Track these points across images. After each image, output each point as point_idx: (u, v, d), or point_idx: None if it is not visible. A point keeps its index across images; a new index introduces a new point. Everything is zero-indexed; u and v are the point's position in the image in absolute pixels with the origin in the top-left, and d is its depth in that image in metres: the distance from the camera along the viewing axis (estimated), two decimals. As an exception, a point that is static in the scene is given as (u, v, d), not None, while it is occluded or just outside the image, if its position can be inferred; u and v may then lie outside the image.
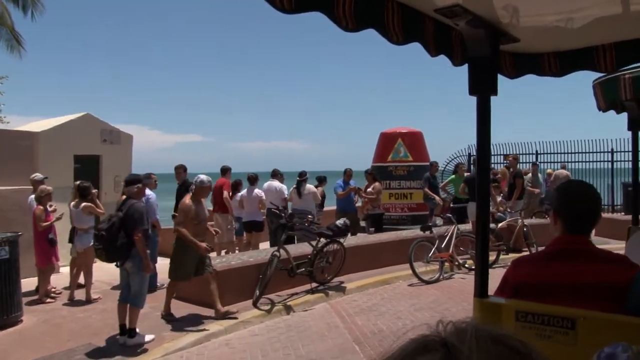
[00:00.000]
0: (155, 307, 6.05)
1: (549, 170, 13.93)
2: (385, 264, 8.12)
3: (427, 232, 7.94)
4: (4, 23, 14.13)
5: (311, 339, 5.30)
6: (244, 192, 9.09)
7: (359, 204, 10.67)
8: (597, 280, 1.62)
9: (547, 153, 15.27)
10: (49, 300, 6.63)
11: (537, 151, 15.37)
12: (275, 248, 6.70)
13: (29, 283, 6.88)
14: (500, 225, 8.83)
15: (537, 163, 13.80)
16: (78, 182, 7.05)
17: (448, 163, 15.87)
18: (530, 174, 12.45)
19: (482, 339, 0.47)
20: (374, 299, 6.81)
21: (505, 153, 14.87)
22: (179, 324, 5.62)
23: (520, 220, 9.17)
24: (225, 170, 9.26)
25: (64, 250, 7.33)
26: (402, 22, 1.83)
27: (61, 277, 7.42)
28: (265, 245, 8.94)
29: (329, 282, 7.21)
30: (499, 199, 9.41)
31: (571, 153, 15.01)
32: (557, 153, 15.18)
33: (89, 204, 6.76)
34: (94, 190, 7.14)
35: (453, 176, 11.03)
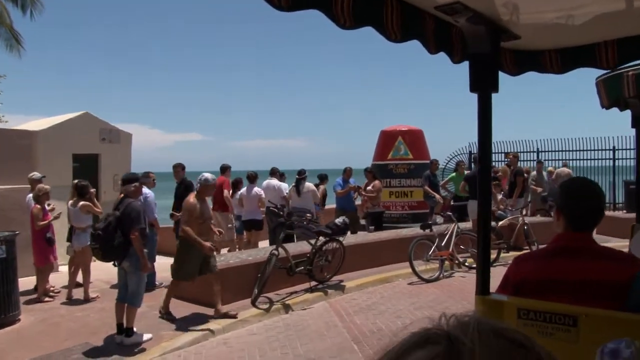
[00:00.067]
0: (153, 306, 6.03)
1: (550, 168, 13.87)
2: (385, 262, 8.09)
3: (427, 231, 7.91)
4: (2, 22, 14.10)
5: (309, 338, 5.27)
6: (243, 190, 9.06)
7: (358, 202, 10.64)
8: (600, 278, 1.61)
9: (548, 151, 15.21)
10: (47, 299, 6.61)
11: (538, 149, 15.30)
12: (274, 247, 6.67)
13: (27, 282, 6.87)
14: (501, 223, 8.80)
15: (542, 161, 13.75)
16: (76, 181, 7.03)
17: (449, 161, 15.82)
18: (534, 172, 12.42)
19: (485, 332, 0.46)
20: (374, 297, 6.78)
21: (506, 151, 14.82)
22: (177, 323, 5.59)
23: (520, 219, 9.14)
24: (224, 169, 9.23)
25: (62, 249, 7.32)
26: (401, 19, 1.81)
27: (60, 276, 7.40)
28: (264, 244, 8.91)
29: (328, 280, 7.18)
30: (499, 197, 9.38)
31: (572, 151, 14.94)
32: (559, 151, 15.11)
33: (87, 202, 6.74)
34: (92, 190, 7.11)
35: (453, 174, 11.00)
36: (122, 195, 5.27)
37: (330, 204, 11.02)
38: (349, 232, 7.91)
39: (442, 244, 7.80)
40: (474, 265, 7.99)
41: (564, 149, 15.03)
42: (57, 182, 8.10)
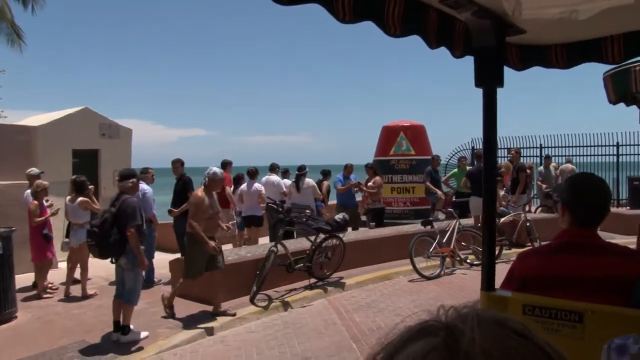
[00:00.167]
0: (151, 303, 5.98)
1: (553, 164, 13.78)
2: (386, 259, 8.02)
3: (428, 227, 7.83)
4: (4, 17, 14.03)
5: (308, 336, 5.21)
6: (243, 186, 9.00)
7: (358, 198, 10.57)
8: (606, 273, 1.60)
9: (552, 147, 15.09)
10: (46, 295, 6.58)
11: (541, 145, 15.19)
12: (273, 243, 6.61)
13: (25, 279, 6.83)
14: (503, 219, 8.72)
15: (550, 156, 13.65)
16: (74, 177, 6.97)
17: (451, 157, 15.69)
18: (542, 167, 12.33)
19: (485, 321, 0.46)
20: (374, 295, 6.71)
21: (509, 146, 14.72)
22: (175, 321, 5.54)
23: (523, 215, 9.05)
24: (225, 165, 9.15)
25: (59, 246, 7.27)
26: (404, 13, 1.79)
27: (59, 273, 7.37)
28: (264, 240, 8.86)
29: (328, 277, 7.12)
30: (501, 193, 9.29)
31: (576, 146, 14.83)
32: (563, 147, 15.00)
33: (86, 199, 6.68)
34: (91, 187, 7.05)
35: (455, 170, 10.91)
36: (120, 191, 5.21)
37: (332, 200, 10.97)
38: (349, 229, 7.84)
39: (444, 241, 7.73)
40: (476, 262, 7.94)
41: (567, 145, 14.92)
42: (57, 177, 8.06)
